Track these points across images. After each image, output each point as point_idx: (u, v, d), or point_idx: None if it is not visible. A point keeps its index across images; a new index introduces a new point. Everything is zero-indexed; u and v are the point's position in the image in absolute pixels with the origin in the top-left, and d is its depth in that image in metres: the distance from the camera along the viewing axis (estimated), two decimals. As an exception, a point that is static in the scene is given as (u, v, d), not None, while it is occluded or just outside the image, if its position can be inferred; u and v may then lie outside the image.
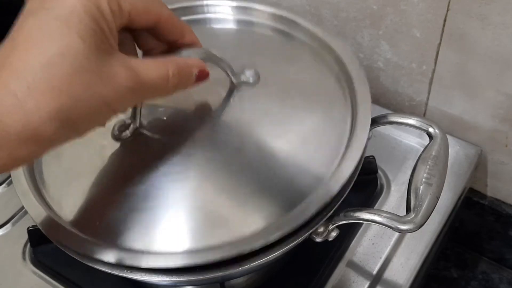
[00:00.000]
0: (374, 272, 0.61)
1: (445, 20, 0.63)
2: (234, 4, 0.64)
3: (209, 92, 0.55)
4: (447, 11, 0.62)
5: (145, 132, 0.54)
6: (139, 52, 0.50)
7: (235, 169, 0.52)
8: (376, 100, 0.75)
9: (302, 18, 0.62)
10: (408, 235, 0.64)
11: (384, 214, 0.50)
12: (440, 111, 0.72)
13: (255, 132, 0.54)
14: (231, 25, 0.65)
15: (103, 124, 0.42)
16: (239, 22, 0.64)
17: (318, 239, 0.51)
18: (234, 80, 0.56)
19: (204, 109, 0.56)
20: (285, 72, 0.59)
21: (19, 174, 0.54)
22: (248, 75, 0.57)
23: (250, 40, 0.63)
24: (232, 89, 0.56)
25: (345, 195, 0.51)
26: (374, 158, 0.66)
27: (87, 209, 0.52)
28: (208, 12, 0.65)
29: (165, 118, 0.55)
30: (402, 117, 0.56)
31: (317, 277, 0.60)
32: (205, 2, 0.65)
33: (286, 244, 0.49)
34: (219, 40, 0.63)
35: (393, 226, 0.50)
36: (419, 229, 0.50)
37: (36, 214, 0.51)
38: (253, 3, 0.63)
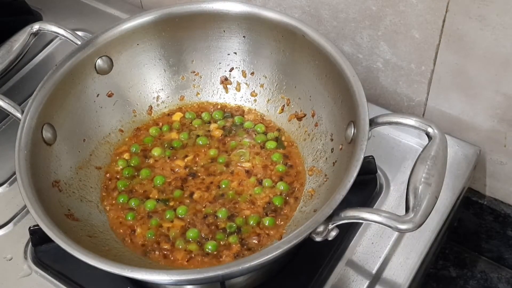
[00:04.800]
0: (374, 271, 0.61)
1: (444, 21, 0.64)
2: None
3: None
4: (446, 12, 0.63)
5: None
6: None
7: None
8: (375, 100, 0.75)
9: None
10: (407, 234, 0.64)
11: (383, 214, 0.50)
12: (439, 112, 0.72)
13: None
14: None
15: None
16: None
17: (318, 239, 0.52)
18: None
19: None
20: None
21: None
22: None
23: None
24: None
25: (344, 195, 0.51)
26: (373, 158, 0.66)
27: None
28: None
29: None
30: (401, 117, 0.57)
31: (316, 276, 0.60)
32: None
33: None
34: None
35: (392, 225, 0.50)
36: (418, 229, 0.50)
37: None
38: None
